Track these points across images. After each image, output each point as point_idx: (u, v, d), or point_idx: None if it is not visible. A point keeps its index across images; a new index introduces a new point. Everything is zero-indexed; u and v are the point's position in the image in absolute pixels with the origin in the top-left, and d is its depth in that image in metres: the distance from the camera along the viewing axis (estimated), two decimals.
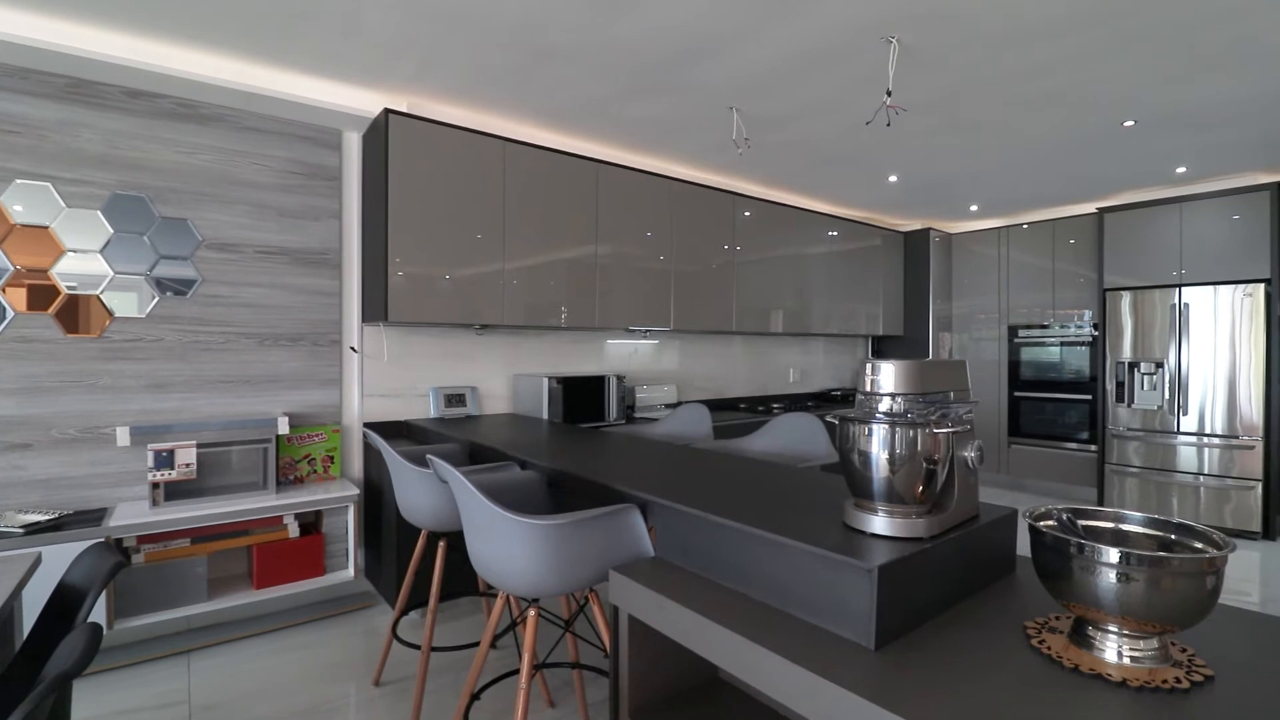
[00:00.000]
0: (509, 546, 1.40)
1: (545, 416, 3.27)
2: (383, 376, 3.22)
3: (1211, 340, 4.28)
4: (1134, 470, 4.59)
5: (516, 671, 1.90)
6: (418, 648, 2.15)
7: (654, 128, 3.52)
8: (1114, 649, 0.93)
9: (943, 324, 5.86)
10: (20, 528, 2.28)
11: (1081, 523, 1.05)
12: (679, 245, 4.02)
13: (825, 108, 3.20)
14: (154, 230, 2.74)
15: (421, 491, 1.94)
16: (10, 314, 2.48)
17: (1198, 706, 0.84)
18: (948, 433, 1.15)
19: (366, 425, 3.13)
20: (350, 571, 2.91)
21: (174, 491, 2.63)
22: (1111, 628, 0.92)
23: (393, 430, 3.21)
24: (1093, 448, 4.97)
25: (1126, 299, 4.66)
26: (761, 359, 5.14)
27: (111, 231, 2.65)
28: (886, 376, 1.18)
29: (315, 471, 3.02)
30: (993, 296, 5.65)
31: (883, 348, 6.04)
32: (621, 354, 4.20)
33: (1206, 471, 4.28)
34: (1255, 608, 3.11)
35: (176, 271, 2.78)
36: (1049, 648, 0.97)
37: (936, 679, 0.91)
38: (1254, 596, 3.27)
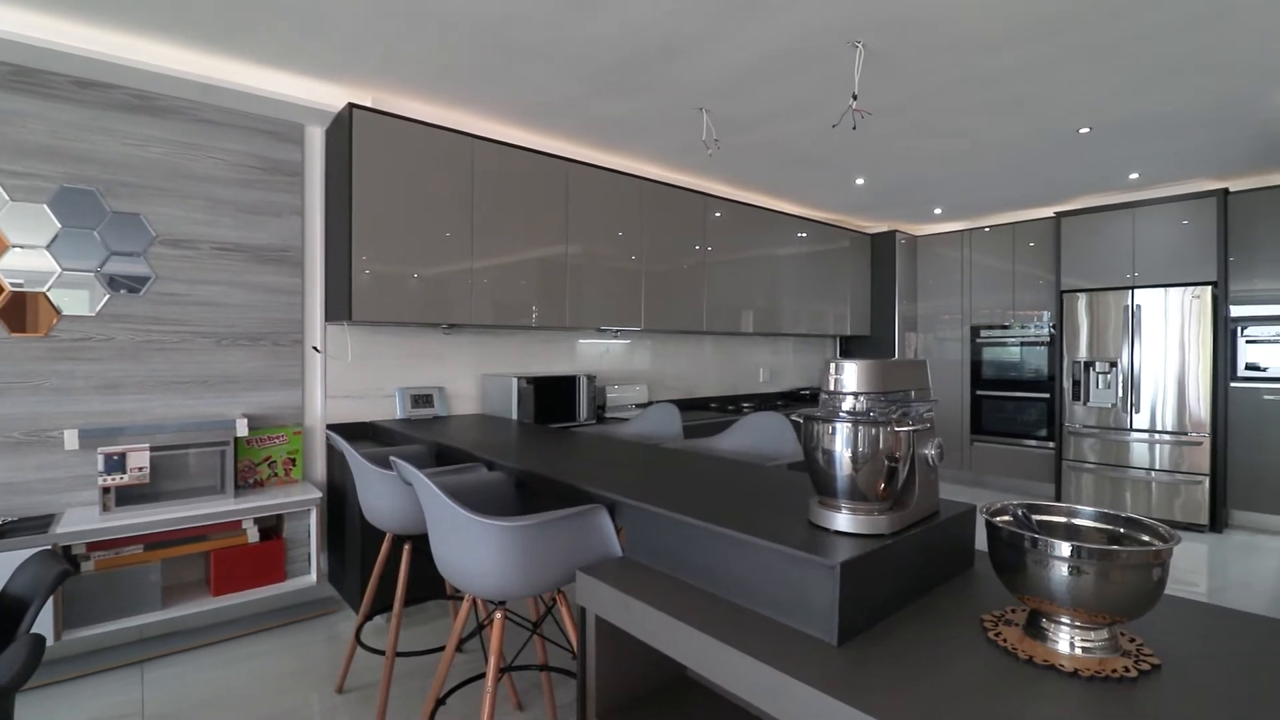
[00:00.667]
0: (474, 549, 1.38)
1: (515, 417, 3.24)
2: (347, 377, 3.15)
3: (1162, 340, 4.45)
4: (1090, 466, 4.75)
5: (483, 675, 1.88)
6: (382, 653, 2.11)
7: (624, 127, 3.52)
8: (1066, 640, 0.95)
9: (908, 324, 5.98)
10: None
11: (1036, 518, 1.08)
12: (650, 245, 4.02)
13: (793, 110, 3.23)
14: (105, 225, 2.63)
15: (385, 494, 1.90)
16: None
17: (1145, 694, 0.87)
18: (909, 431, 1.17)
19: (330, 427, 3.06)
20: (313, 577, 2.84)
21: (126, 496, 2.54)
22: (1064, 619, 0.95)
23: (357, 432, 3.14)
24: (1051, 444, 5.12)
25: (1082, 300, 4.82)
26: (732, 359, 5.17)
27: (59, 226, 2.55)
28: (849, 376, 1.19)
29: (276, 474, 2.94)
30: (956, 298, 5.79)
31: (850, 347, 6.13)
32: (593, 354, 4.19)
33: (1157, 467, 4.45)
34: (1203, 597, 3.24)
35: (129, 268, 2.68)
36: (1005, 640, 0.99)
37: (897, 673, 0.92)
38: (1202, 587, 3.41)
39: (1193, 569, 3.66)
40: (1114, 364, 4.64)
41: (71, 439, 2.51)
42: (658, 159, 4.10)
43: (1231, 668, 0.93)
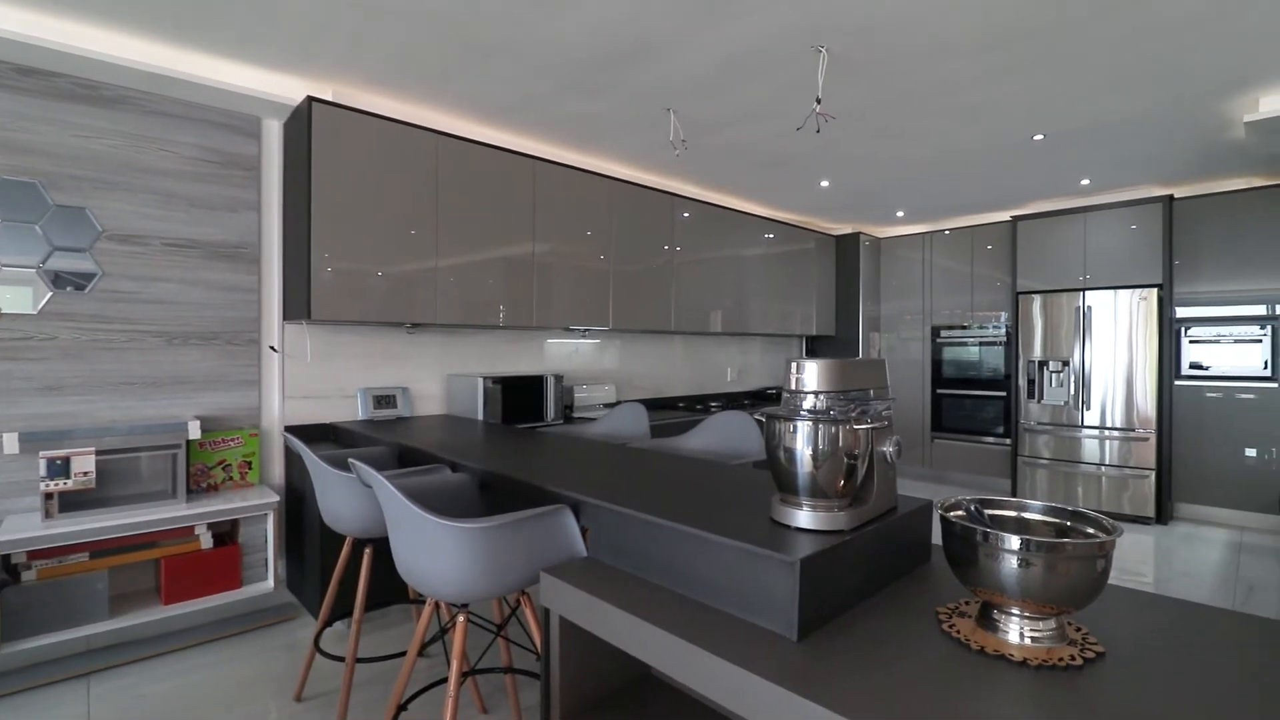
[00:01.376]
0: (435, 551, 1.36)
1: (481, 417, 3.20)
2: (306, 377, 3.07)
3: (1111, 340, 4.62)
4: (1044, 462, 4.91)
5: (446, 680, 1.85)
6: (342, 660, 2.07)
7: (592, 126, 3.51)
8: (1016, 630, 0.98)
9: (872, 324, 6.09)
10: None
11: (988, 512, 1.11)
12: (619, 245, 4.02)
13: (759, 112, 3.27)
14: (47, 219, 2.52)
15: (345, 497, 1.86)
16: None
17: (1089, 681, 0.90)
18: (867, 429, 1.19)
19: (288, 429, 2.98)
20: (270, 583, 2.76)
21: (71, 502, 2.43)
22: (1014, 610, 0.98)
23: (318, 433, 3.07)
24: (1007, 441, 5.28)
25: (1037, 302, 4.98)
26: (700, 358, 5.20)
27: None
28: (810, 375, 1.21)
29: (231, 478, 2.86)
30: (917, 299, 5.92)
31: (817, 347, 6.23)
32: (562, 353, 4.16)
33: (1107, 462, 4.62)
34: (1150, 587, 3.38)
35: (74, 264, 2.57)
36: (958, 631, 1.01)
37: (854, 666, 0.94)
38: (1149, 577, 3.55)
39: (1140, 560, 3.81)
40: (1066, 363, 4.81)
41: (11, 442, 2.39)
42: (626, 158, 4.10)
43: (1172, 654, 0.97)
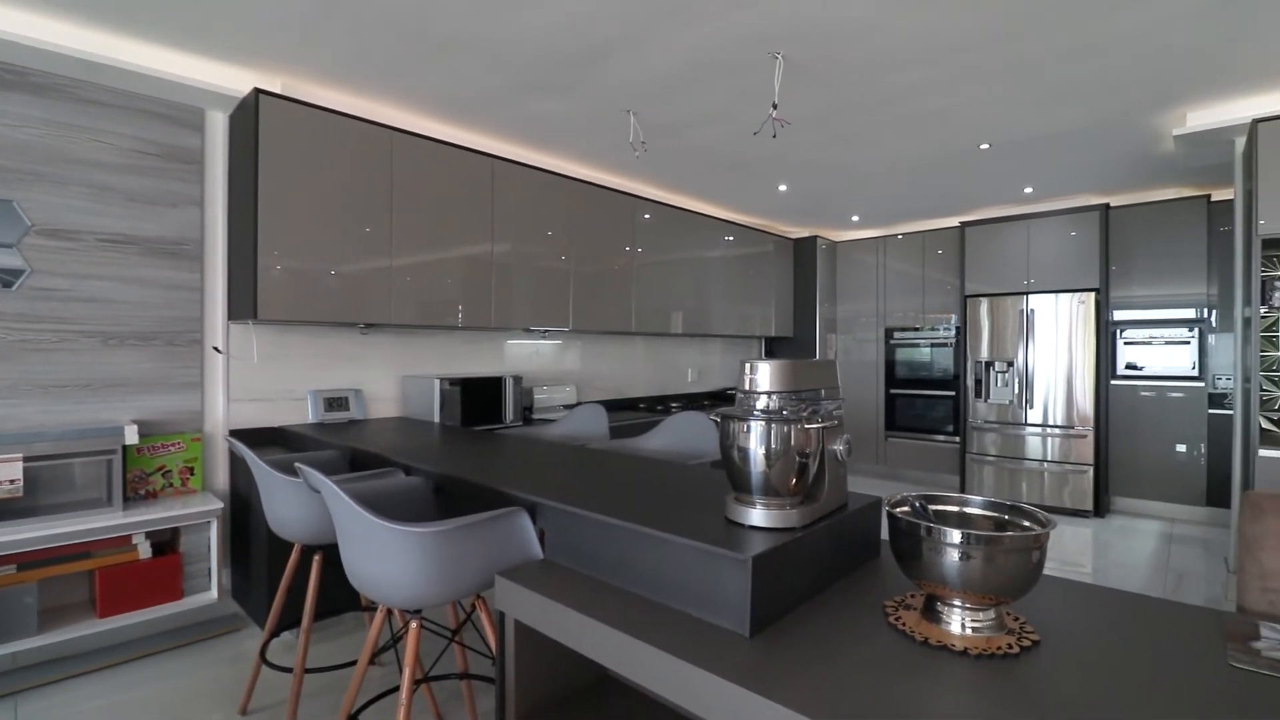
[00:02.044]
0: (386, 557, 1.33)
1: (437, 420, 3.14)
2: (253, 379, 2.97)
3: (1053, 342, 4.83)
4: (990, 458, 5.09)
5: (399, 688, 1.81)
6: (289, 671, 2.00)
7: (552, 126, 3.49)
8: (958, 621, 1.01)
9: (829, 326, 6.22)
10: None
11: (932, 508, 1.15)
12: (579, 245, 4.01)
13: (718, 116, 3.30)
14: None
15: (292, 502, 1.81)
16: None
17: (1025, 668, 0.93)
18: (819, 428, 1.21)
19: (232, 433, 2.87)
20: (213, 593, 2.66)
21: None
22: (956, 602, 1.01)
23: (265, 438, 2.96)
24: (957, 439, 5.46)
25: (984, 304, 5.16)
26: (661, 359, 5.23)
27: None
28: (763, 376, 1.23)
29: (172, 485, 2.74)
30: (872, 301, 6.07)
31: (775, 348, 6.32)
32: (523, 355, 4.13)
33: (1049, 458, 4.82)
34: (1088, 577, 3.54)
35: None
36: (904, 624, 1.04)
37: (804, 660, 0.95)
38: (1087, 568, 3.71)
39: (1079, 551, 3.99)
40: (1011, 364, 5.00)
41: None
42: (586, 159, 4.09)
43: (1103, 641, 1.02)
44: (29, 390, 2.49)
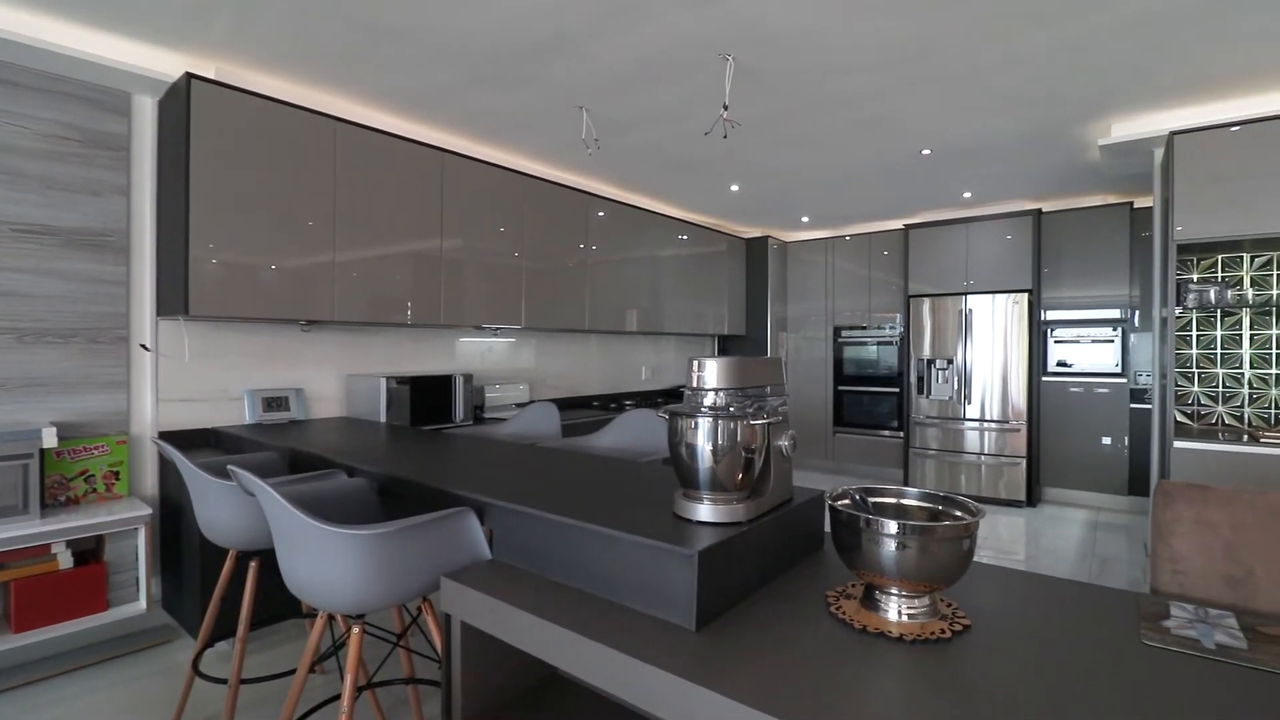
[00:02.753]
0: (326, 561, 1.29)
1: (384, 419, 3.06)
2: (184, 378, 2.83)
3: (990, 341, 5.05)
4: (932, 452, 5.29)
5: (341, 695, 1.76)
6: (224, 682, 1.92)
7: (504, 120, 3.44)
8: (895, 609, 1.05)
9: (780, 324, 6.34)
10: None
11: (872, 500, 1.18)
12: (532, 242, 3.97)
13: (670, 115, 3.32)
14: None
15: (225, 507, 1.73)
16: None
17: (957, 652, 0.97)
18: (764, 423, 1.24)
19: (161, 435, 2.73)
20: (142, 603, 2.52)
21: None
22: (893, 590, 1.05)
23: (198, 439, 2.83)
24: (901, 434, 5.65)
25: (926, 304, 5.35)
26: (616, 357, 5.22)
27: None
28: (710, 373, 1.24)
29: (95, 490, 2.58)
30: (821, 300, 6.22)
31: (728, 346, 6.40)
32: (475, 353, 4.06)
33: (986, 451, 5.04)
34: (1021, 564, 3.71)
35: None
36: (844, 613, 1.07)
37: (748, 651, 0.97)
38: (1020, 555, 3.90)
39: (1013, 540, 4.18)
40: (951, 361, 5.20)
41: None
42: (539, 155, 4.05)
43: (1029, 624, 1.07)
44: None
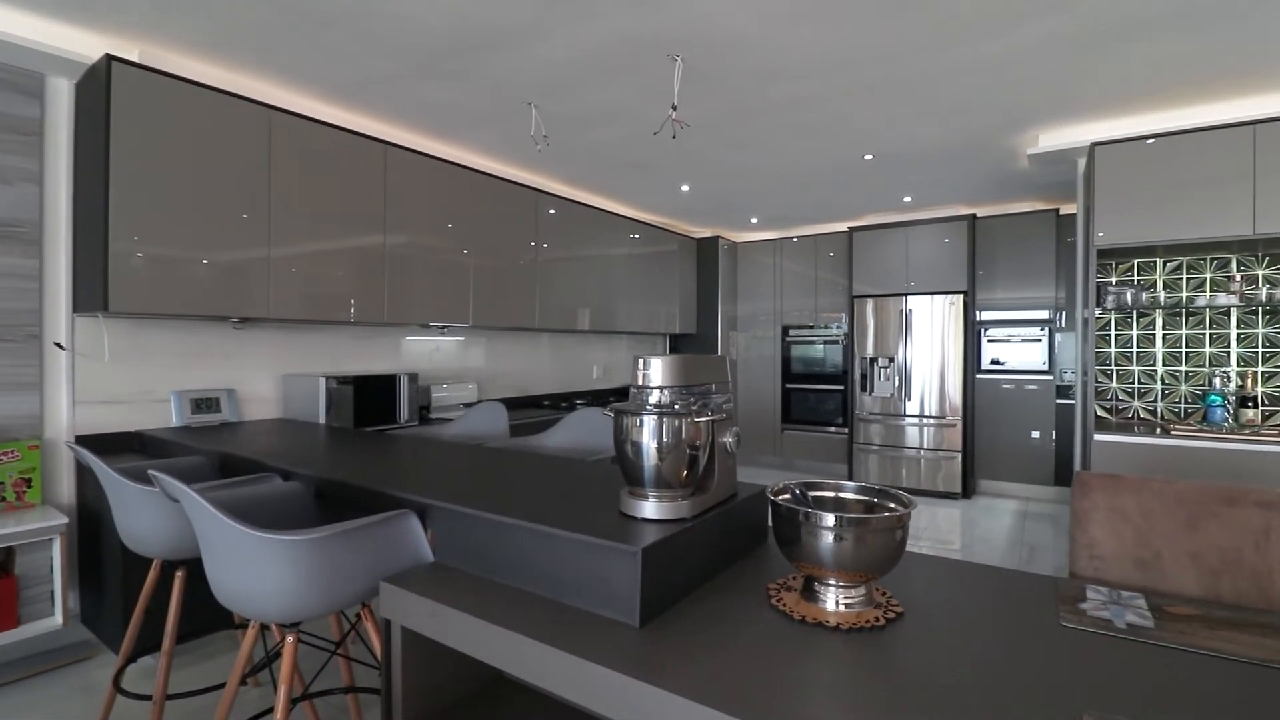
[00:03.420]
0: (257, 568, 1.24)
1: (323, 420, 2.96)
2: (104, 379, 2.66)
3: (928, 340, 5.25)
4: (875, 447, 5.46)
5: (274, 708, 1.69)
6: (149, 699, 1.82)
7: (449, 114, 3.37)
8: (833, 599, 1.08)
9: (730, 324, 6.43)
10: None
11: (812, 494, 1.21)
12: (481, 239, 3.90)
13: (619, 114, 3.32)
14: None
15: (148, 514, 1.64)
16: None
17: (890, 638, 1.01)
18: (708, 420, 1.25)
19: (78, 439, 2.57)
20: (58, 618, 2.36)
21: None
22: (830, 581, 1.08)
23: (120, 444, 2.67)
24: (846, 430, 5.81)
25: (870, 305, 5.52)
26: (568, 356, 5.19)
27: None
28: (655, 371, 1.25)
29: (4, 499, 2.40)
30: (770, 300, 6.34)
31: (679, 345, 6.45)
32: (422, 352, 3.96)
33: (925, 446, 5.24)
34: (957, 553, 3.87)
35: None
36: (784, 605, 1.10)
37: (691, 646, 0.98)
38: (956, 544, 4.07)
39: (949, 530, 4.36)
40: (892, 359, 5.39)
41: None
42: (488, 150, 3.99)
43: (958, 609, 1.12)
44: None
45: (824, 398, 5.98)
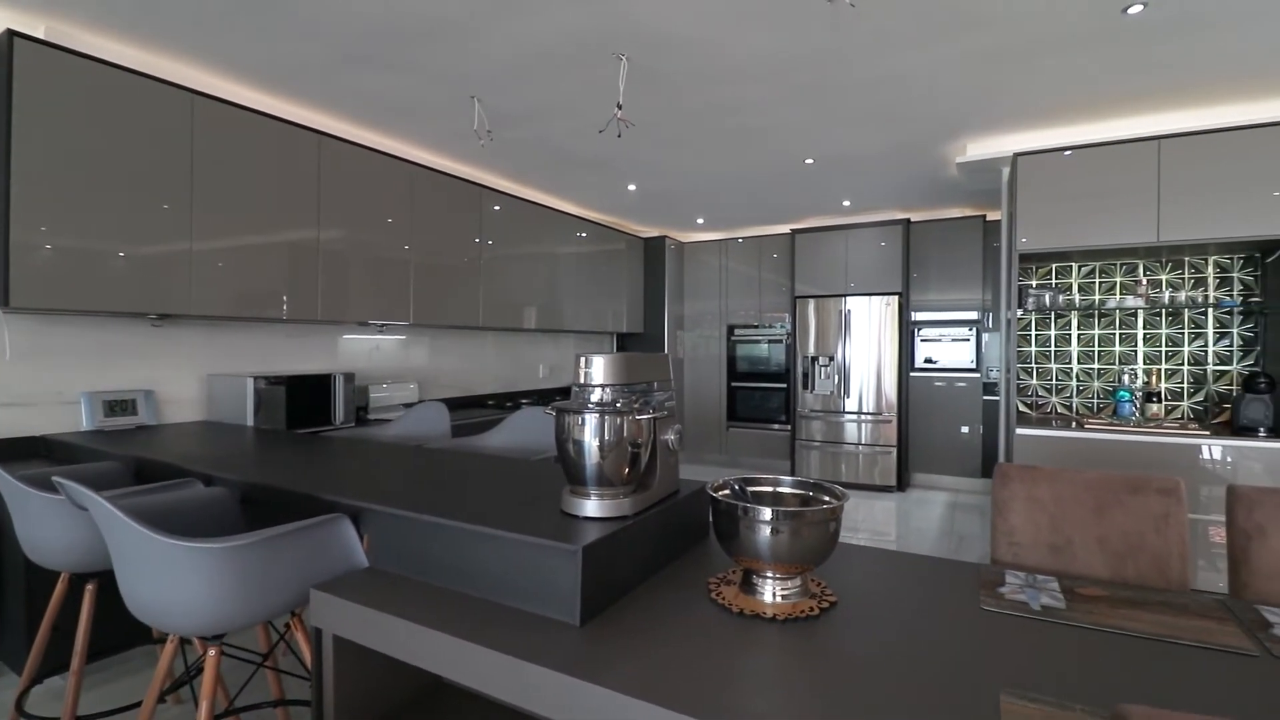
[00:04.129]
0: (174, 579, 1.17)
1: (250, 423, 2.82)
2: (5, 379, 2.46)
3: (866, 339, 5.43)
4: (816, 444, 5.62)
5: None
6: None
7: (388, 106, 3.27)
8: (770, 591, 1.10)
9: (677, 323, 6.49)
10: None
11: (751, 489, 1.24)
12: (423, 235, 3.80)
13: (565, 111, 3.30)
14: None
15: (53, 524, 1.52)
16: None
17: (824, 627, 1.04)
18: (650, 418, 1.26)
19: None
20: None
21: None
22: (768, 573, 1.10)
23: (23, 449, 2.47)
24: (789, 427, 5.96)
25: (811, 305, 5.68)
26: (513, 355, 5.12)
27: None
28: (597, 369, 1.25)
29: None
30: (716, 300, 6.43)
31: (627, 343, 6.46)
32: (361, 350, 3.83)
33: (863, 442, 5.42)
34: (893, 544, 4.03)
35: None
36: (723, 598, 1.11)
37: (632, 643, 0.98)
38: (891, 536, 4.23)
39: (885, 522, 4.53)
40: (832, 358, 5.55)
41: None
42: (430, 144, 3.89)
43: (888, 597, 1.16)
44: None
45: (768, 396, 6.11)
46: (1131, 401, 3.59)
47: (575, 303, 5.25)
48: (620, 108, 2.86)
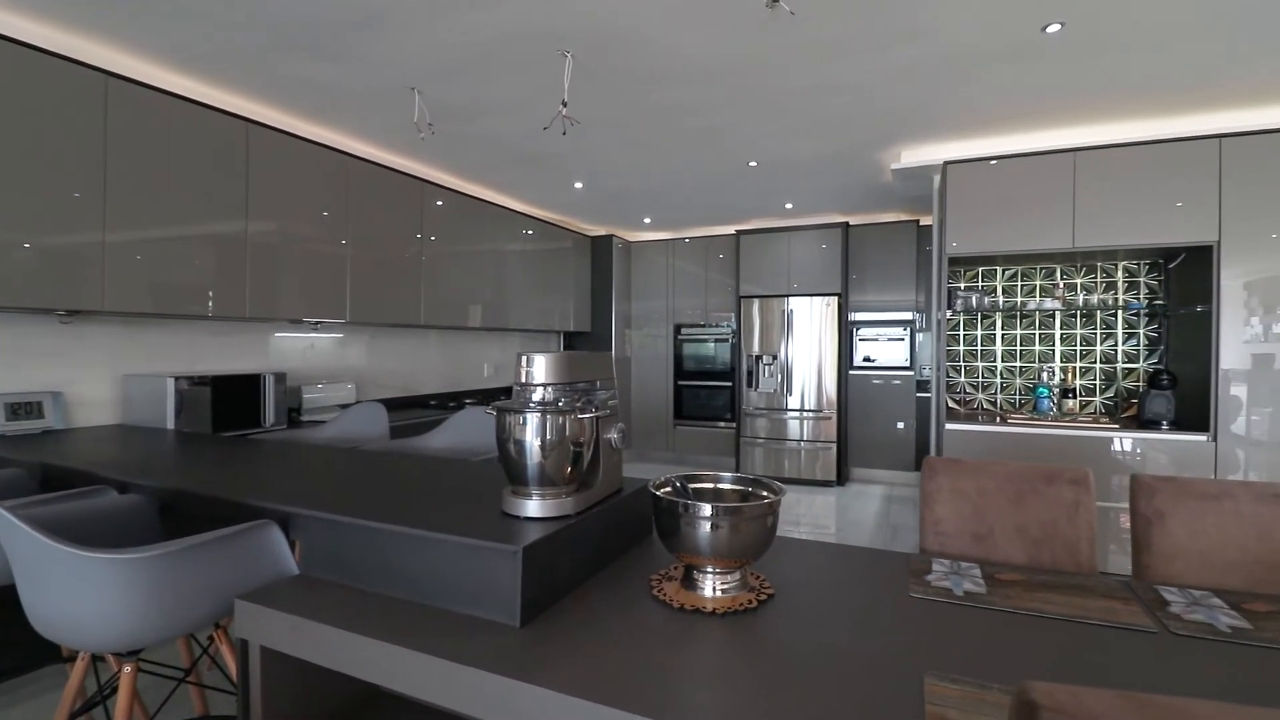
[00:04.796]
0: (83, 592, 1.10)
1: (171, 426, 2.66)
2: None
3: (807, 338, 5.58)
4: (760, 440, 5.74)
5: None
6: None
7: (323, 95, 3.14)
8: (710, 586, 1.12)
9: (624, 321, 6.50)
10: None
11: (692, 486, 1.25)
12: (360, 229, 3.67)
13: (510, 106, 3.25)
14: None
15: None
16: None
17: (763, 619, 1.06)
18: (592, 417, 1.26)
19: None
20: None
21: None
22: (708, 568, 1.12)
23: None
24: (734, 425, 6.06)
25: (756, 305, 5.79)
26: (457, 354, 5.02)
27: None
28: (538, 368, 1.24)
29: None
30: (662, 299, 6.47)
31: (574, 342, 6.43)
32: (295, 349, 3.67)
33: (805, 438, 5.57)
34: (832, 537, 4.15)
35: None
36: (665, 594, 1.13)
37: (573, 643, 0.98)
38: (831, 529, 4.36)
39: (825, 516, 4.67)
40: (776, 357, 5.68)
41: None
42: (368, 136, 3.76)
43: (823, 588, 1.20)
44: None
45: (714, 394, 6.20)
46: (1049, 397, 3.82)
47: (521, 301, 5.19)
48: (565, 105, 2.84)
